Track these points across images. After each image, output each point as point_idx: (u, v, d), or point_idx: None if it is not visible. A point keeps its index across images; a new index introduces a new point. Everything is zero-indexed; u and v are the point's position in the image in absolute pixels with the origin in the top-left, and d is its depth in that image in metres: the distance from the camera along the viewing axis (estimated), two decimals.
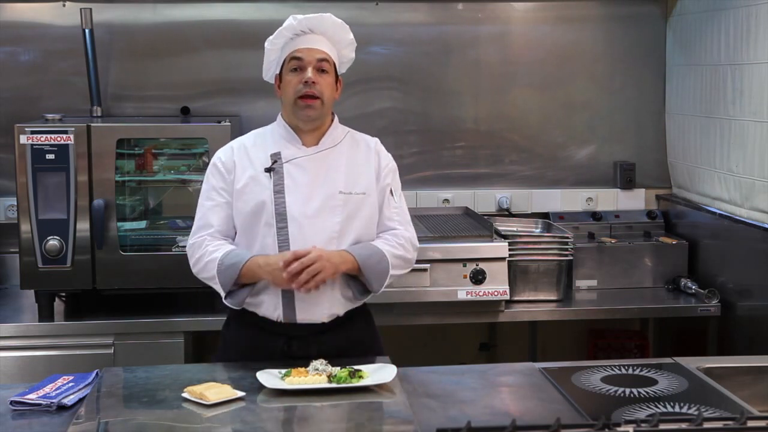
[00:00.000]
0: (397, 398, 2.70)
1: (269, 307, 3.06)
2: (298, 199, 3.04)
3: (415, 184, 4.78)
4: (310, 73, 3.03)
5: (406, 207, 3.25)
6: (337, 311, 3.09)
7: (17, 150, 3.90)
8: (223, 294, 3.07)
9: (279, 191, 3.05)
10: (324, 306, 3.06)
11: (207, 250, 3.07)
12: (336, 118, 3.19)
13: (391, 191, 3.18)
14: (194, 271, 3.12)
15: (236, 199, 3.08)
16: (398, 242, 3.13)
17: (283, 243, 3.02)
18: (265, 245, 3.04)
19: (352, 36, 3.18)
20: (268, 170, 3.07)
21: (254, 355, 3.04)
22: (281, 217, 3.03)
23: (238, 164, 3.10)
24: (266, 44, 3.13)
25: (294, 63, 3.06)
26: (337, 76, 3.14)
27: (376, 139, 3.24)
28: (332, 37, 3.12)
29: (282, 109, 3.17)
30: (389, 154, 3.24)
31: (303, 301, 3.04)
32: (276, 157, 3.09)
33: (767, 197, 3.92)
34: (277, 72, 3.15)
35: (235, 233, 3.12)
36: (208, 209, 3.12)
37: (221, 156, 3.15)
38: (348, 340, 3.11)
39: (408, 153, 4.81)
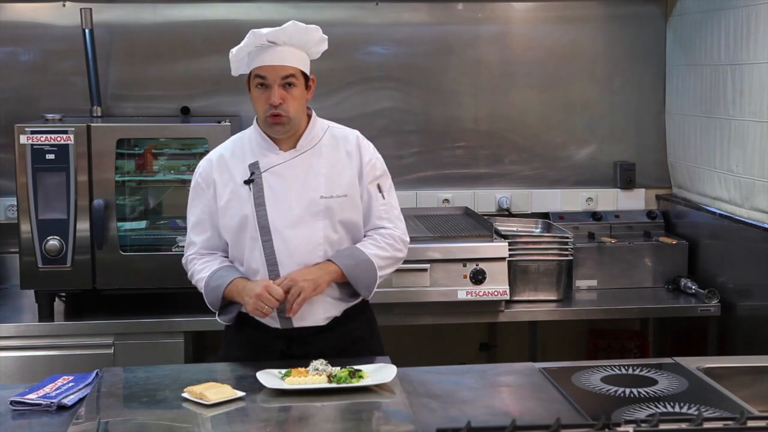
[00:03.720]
0: (397, 398, 2.70)
1: (266, 318, 3.06)
2: (279, 210, 3.02)
3: (415, 184, 4.78)
4: (275, 95, 2.97)
5: (396, 201, 3.20)
6: (333, 313, 3.09)
7: (17, 150, 3.90)
8: (215, 312, 3.12)
9: (260, 203, 3.03)
10: (318, 311, 3.06)
11: (195, 269, 3.13)
12: (314, 116, 3.13)
13: (378, 187, 3.13)
14: (193, 283, 3.19)
15: (221, 216, 3.08)
16: (387, 242, 3.10)
17: (270, 255, 3.02)
18: (252, 258, 3.05)
19: (320, 33, 3.08)
20: (247, 182, 3.05)
21: (254, 354, 3.05)
22: (264, 230, 3.02)
23: (219, 180, 3.08)
24: (230, 55, 3.06)
25: (258, 80, 3.01)
26: (307, 79, 3.07)
27: (357, 133, 3.17)
28: (298, 43, 3.03)
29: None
30: (371, 146, 3.16)
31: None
32: (254, 168, 3.06)
33: (767, 197, 3.92)
34: (246, 76, 3.08)
35: (226, 244, 3.13)
36: (192, 227, 3.16)
37: (201, 171, 3.14)
38: (347, 337, 3.12)
39: (408, 153, 4.81)
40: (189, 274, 3.17)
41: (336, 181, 3.07)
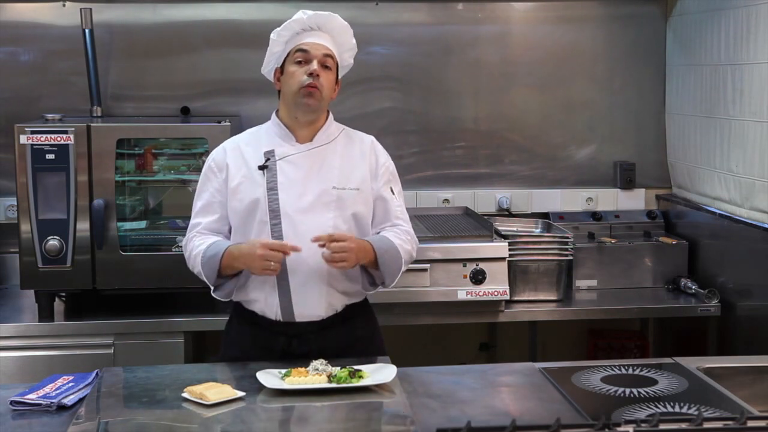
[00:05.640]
0: (397, 398, 2.70)
1: (266, 305, 3.08)
2: (291, 196, 3.06)
3: (415, 184, 4.78)
4: (315, 65, 3.05)
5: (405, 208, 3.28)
6: (334, 305, 3.10)
7: (17, 150, 3.90)
8: (211, 287, 3.11)
9: (272, 188, 3.06)
10: (321, 301, 3.07)
11: (194, 245, 3.13)
12: (331, 116, 3.20)
13: (392, 189, 3.19)
14: (189, 267, 3.17)
15: (231, 198, 3.11)
16: (407, 237, 3.16)
17: (277, 239, 3.03)
18: None
19: (354, 42, 3.21)
20: (261, 168, 3.08)
21: (255, 352, 3.06)
22: (274, 213, 3.04)
23: (232, 165, 3.12)
24: (272, 35, 3.13)
25: (299, 55, 3.07)
26: (337, 76, 3.16)
27: (372, 138, 3.25)
28: (337, 38, 3.15)
29: (280, 104, 3.18)
30: (386, 153, 3.24)
31: (299, 297, 3.05)
32: (269, 155, 3.10)
33: (767, 197, 3.92)
34: (278, 65, 3.15)
35: (230, 230, 3.15)
36: (199, 209, 3.18)
37: (214, 156, 3.19)
38: (349, 336, 3.12)
39: (408, 153, 4.81)
40: (187, 253, 3.15)
41: (348, 175, 3.11)
